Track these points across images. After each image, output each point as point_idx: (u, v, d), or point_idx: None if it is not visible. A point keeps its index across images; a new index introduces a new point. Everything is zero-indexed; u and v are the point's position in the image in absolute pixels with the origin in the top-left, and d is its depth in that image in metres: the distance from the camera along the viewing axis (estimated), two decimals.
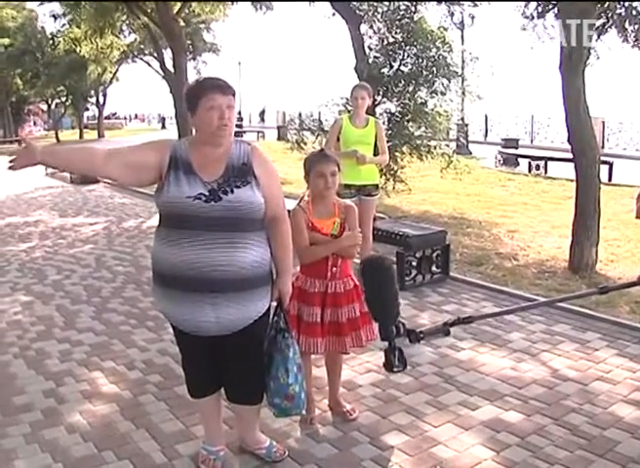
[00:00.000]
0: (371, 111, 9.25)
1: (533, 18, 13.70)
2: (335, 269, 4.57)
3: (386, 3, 13.19)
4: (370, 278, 2.78)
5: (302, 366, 4.16)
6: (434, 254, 8.54)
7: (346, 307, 4.59)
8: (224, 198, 3.65)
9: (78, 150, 4.14)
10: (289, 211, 4.18)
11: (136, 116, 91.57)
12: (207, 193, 3.64)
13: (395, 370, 2.72)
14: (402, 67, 13.03)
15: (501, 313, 3.16)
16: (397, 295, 2.76)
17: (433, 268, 8.56)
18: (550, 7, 12.68)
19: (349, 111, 9.96)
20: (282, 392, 4.02)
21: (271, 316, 4.06)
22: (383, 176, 11.79)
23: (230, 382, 4.15)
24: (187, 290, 3.68)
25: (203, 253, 3.61)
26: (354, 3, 13.16)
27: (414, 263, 8.33)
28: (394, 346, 2.70)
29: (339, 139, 8.14)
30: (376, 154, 8.13)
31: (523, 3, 13.67)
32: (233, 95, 3.75)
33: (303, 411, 4.33)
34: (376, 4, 13.23)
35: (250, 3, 22.82)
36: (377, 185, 8.32)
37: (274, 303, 4.05)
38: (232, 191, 3.69)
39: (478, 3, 15.14)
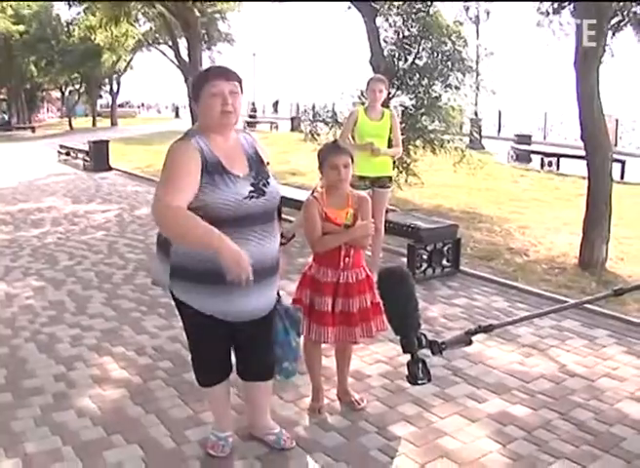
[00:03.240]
0: (385, 104, 9.25)
1: (548, 14, 13.67)
2: (347, 259, 4.59)
3: None
4: (389, 290, 2.78)
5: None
6: (445, 248, 8.54)
7: (358, 297, 4.62)
8: (266, 191, 3.80)
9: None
10: (301, 201, 4.24)
11: (142, 105, 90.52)
12: (252, 189, 3.75)
13: (420, 382, 2.72)
14: (417, 61, 13.06)
15: (517, 321, 3.15)
16: (417, 306, 2.77)
17: (444, 262, 8.57)
18: (566, 4, 12.64)
19: (363, 103, 9.97)
20: (292, 355, 4.25)
21: None
22: (396, 169, 11.80)
23: (249, 361, 4.22)
24: (261, 279, 3.77)
25: (257, 247, 3.74)
26: None
27: (424, 256, 8.35)
28: (417, 358, 2.70)
29: (353, 131, 8.16)
30: (390, 146, 8.15)
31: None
32: (239, 81, 3.78)
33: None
34: None
35: None
36: (390, 177, 8.33)
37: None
38: (268, 183, 3.85)
39: None
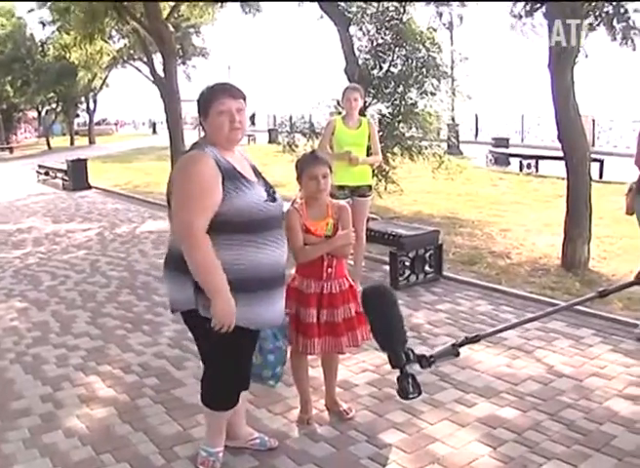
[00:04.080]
0: (362, 113, 9.27)
1: (521, 17, 13.71)
2: (330, 270, 4.59)
3: (375, 4, 13.22)
4: (374, 307, 2.79)
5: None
6: (427, 254, 8.55)
7: (342, 307, 4.62)
8: (276, 197, 3.95)
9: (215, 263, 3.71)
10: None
11: (117, 122, 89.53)
12: (267, 194, 3.88)
13: (410, 396, 2.73)
14: (392, 68, 13.10)
15: (504, 329, 3.17)
16: (402, 321, 2.78)
17: (426, 268, 8.57)
18: (538, 6, 12.69)
19: (339, 113, 9.98)
20: (281, 359, 4.29)
21: None
22: (375, 177, 11.81)
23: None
24: (279, 286, 3.96)
25: (276, 252, 3.87)
26: (343, 5, 13.16)
27: (407, 263, 8.36)
28: (406, 373, 2.71)
29: (332, 141, 8.16)
30: (369, 154, 8.16)
31: (511, 2, 13.67)
32: (244, 99, 3.89)
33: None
34: (364, 5, 13.25)
35: (238, 5, 22.85)
36: (370, 186, 8.32)
37: None
38: (275, 191, 4.00)
39: (466, 3, 15.19)
